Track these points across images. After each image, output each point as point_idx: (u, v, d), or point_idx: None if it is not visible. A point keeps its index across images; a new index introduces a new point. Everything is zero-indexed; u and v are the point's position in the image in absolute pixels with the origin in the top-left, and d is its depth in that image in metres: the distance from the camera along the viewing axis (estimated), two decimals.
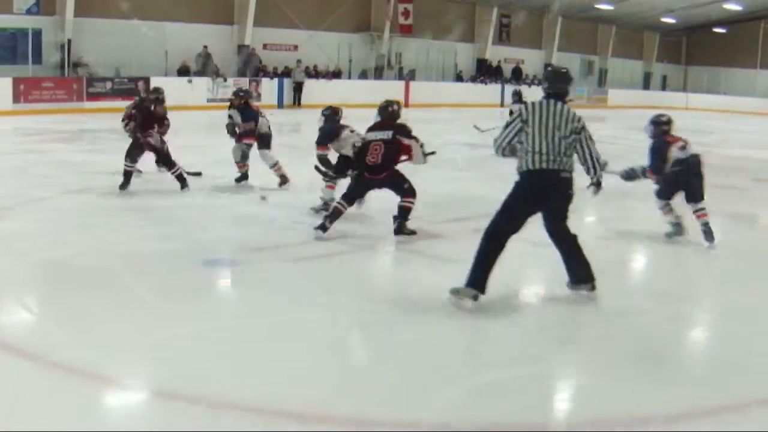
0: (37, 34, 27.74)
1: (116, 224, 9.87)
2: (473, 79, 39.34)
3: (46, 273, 7.71)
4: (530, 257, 8.24)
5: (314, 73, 33.54)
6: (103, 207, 10.87)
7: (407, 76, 37.04)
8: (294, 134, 18.94)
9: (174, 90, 27.25)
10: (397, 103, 9.89)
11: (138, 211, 10.64)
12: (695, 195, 9.57)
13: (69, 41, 28.04)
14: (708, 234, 9.44)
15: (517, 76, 41.59)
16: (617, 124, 29.32)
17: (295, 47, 33.95)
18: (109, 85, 27.12)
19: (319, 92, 30.71)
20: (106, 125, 21.18)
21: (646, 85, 50.95)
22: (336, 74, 34.54)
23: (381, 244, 9.37)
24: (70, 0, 27.71)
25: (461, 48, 40.26)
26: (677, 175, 9.57)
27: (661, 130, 9.92)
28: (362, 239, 9.37)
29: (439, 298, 7.00)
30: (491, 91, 38.51)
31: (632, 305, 7.17)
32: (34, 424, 4.54)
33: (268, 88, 31.43)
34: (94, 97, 26.66)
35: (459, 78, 39.41)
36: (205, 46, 30.47)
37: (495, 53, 41.83)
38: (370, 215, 10.23)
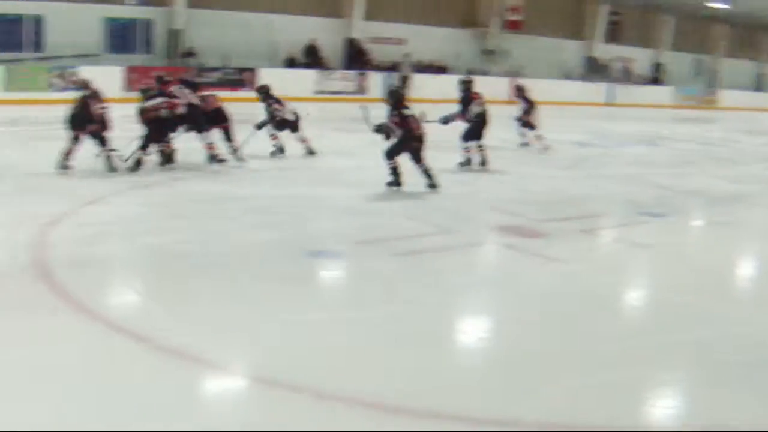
0: (149, 24, 28.24)
1: (219, 212, 9.98)
2: (581, 78, 38.82)
3: (153, 258, 7.86)
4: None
5: (421, 68, 33.47)
6: (207, 194, 11.04)
7: (514, 72, 36.75)
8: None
9: (281, 81, 27.58)
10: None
11: (239, 199, 10.74)
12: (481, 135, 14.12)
13: (180, 31, 28.46)
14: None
15: (626, 75, 40.99)
16: (727, 126, 28.70)
17: (403, 41, 33.92)
18: (217, 75, 27.41)
19: (425, 86, 30.64)
20: None
21: (759, 86, 49.72)
22: (442, 69, 34.40)
23: (485, 241, 9.30)
24: None
25: (570, 45, 39.83)
26: (478, 123, 14.00)
27: (466, 87, 14.42)
28: (466, 236, 9.30)
29: (542, 298, 6.93)
30: (599, 90, 37.99)
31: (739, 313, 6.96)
32: (140, 405, 4.60)
33: (375, 82, 31.47)
34: (203, 87, 26.90)
35: (567, 76, 38.95)
36: (313, 39, 30.68)
37: (604, 51, 41.22)
38: (470, 213, 10.18)
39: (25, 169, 12.20)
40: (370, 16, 32.69)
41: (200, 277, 7.19)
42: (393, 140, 11.63)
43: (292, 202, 10.73)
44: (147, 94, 12.98)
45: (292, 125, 14.87)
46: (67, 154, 12.14)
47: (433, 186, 11.62)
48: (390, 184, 11.65)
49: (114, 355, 5.36)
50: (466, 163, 14.18)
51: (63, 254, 7.74)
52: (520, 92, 17.74)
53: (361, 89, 30.10)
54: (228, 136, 13.78)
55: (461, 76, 15.32)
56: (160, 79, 13.38)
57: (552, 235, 9.30)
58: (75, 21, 26.44)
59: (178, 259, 7.77)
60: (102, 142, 12.29)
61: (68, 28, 26.23)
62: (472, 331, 6.36)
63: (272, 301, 6.62)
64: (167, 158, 13.07)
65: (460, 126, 14.20)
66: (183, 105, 13.02)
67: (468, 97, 14.29)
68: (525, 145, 17.62)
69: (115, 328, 5.80)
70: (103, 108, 12.30)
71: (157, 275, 7.36)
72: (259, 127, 14.77)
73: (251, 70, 27.95)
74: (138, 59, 27.20)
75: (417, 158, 11.65)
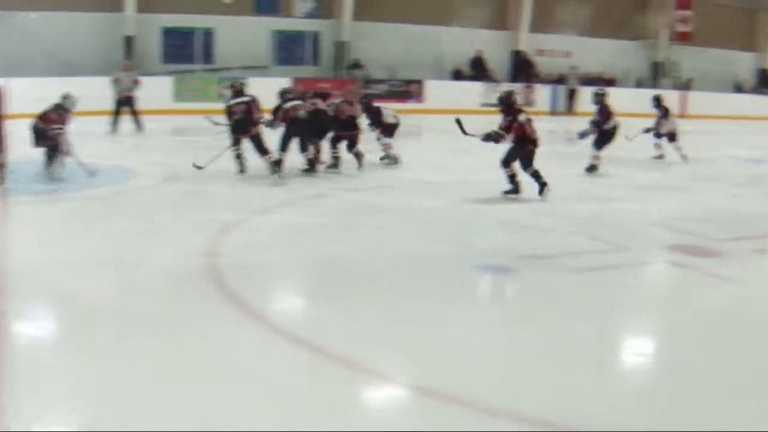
0: (316, 36, 28.77)
1: (386, 223, 10.08)
2: (753, 91, 37.61)
3: (321, 268, 7.98)
4: None
5: (588, 81, 32.98)
6: (373, 206, 11.15)
7: (684, 85, 35.87)
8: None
9: (447, 93, 27.55)
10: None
11: (405, 211, 10.80)
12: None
13: (346, 43, 28.88)
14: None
15: None
16: None
17: (570, 54, 33.54)
18: (384, 87, 27.67)
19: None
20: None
21: None
22: (610, 82, 33.81)
23: (655, 260, 9.08)
24: (349, 4, 28.63)
25: (741, 57, 38.66)
26: (611, 134, 14.48)
27: (601, 99, 14.62)
28: (635, 253, 9.09)
29: (714, 319, 6.77)
30: None
31: None
32: (306, 412, 4.72)
33: (542, 94, 31.16)
34: (331, 96, 27.21)
35: (738, 89, 37.81)
36: (479, 51, 30.63)
37: None
38: (638, 230, 10.02)
39: (196, 176, 12.53)
40: (537, 28, 32.44)
41: (367, 288, 7.30)
42: (507, 147, 11.80)
43: (457, 214, 10.73)
44: (285, 97, 13.74)
45: (393, 129, 14.97)
46: (238, 159, 13.05)
47: (544, 186, 11.75)
48: (508, 192, 11.80)
49: (281, 361, 5.49)
50: (592, 170, 14.59)
51: (235, 261, 7.99)
52: (657, 102, 17.40)
53: (527, 102, 29.85)
54: (352, 143, 14.29)
55: (596, 89, 15.72)
56: (303, 94, 14.40)
57: (726, 255, 9.02)
58: (244, 33, 27.24)
59: (345, 269, 7.88)
60: (260, 148, 12.82)
61: (237, 41, 27.04)
62: (641, 351, 6.24)
63: (438, 314, 6.61)
64: (311, 166, 13.52)
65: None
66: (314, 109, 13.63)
67: (606, 109, 14.60)
68: (659, 157, 17.13)
69: (284, 335, 5.98)
70: (261, 116, 13.04)
71: (325, 285, 7.46)
72: (383, 136, 14.99)
73: (418, 82, 28.12)
74: (305, 71, 27.74)
75: (528, 163, 11.79)
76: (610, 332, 6.47)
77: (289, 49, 28.63)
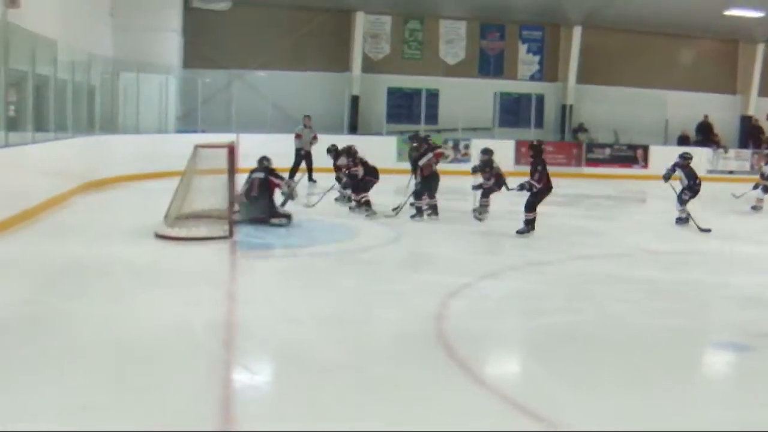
0: (540, 99, 28.75)
1: (619, 294, 9.75)
2: None
3: (556, 337, 7.77)
4: None
5: None
6: (604, 275, 10.86)
7: None
8: None
9: (671, 159, 27.02)
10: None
11: (637, 282, 10.45)
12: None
13: (570, 107, 28.73)
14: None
15: None
16: None
17: None
18: (607, 151, 27.41)
19: None
20: (604, 192, 21.28)
21: None
22: None
23: None
24: (573, 67, 28.59)
25: None
26: (696, 191, 15.19)
27: (686, 162, 15.48)
28: None
29: None
30: None
31: None
32: None
33: None
34: (592, 162, 27.03)
35: None
36: (706, 116, 29.86)
37: None
38: None
39: (419, 238, 12.95)
40: (767, 92, 31.42)
41: (599, 361, 7.05)
42: (533, 193, 13.27)
43: (692, 287, 10.33)
44: (419, 153, 15.44)
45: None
46: (366, 205, 15.07)
47: (532, 230, 13.28)
48: (521, 232, 13.26)
49: None
50: (685, 221, 15.24)
51: (463, 326, 7.95)
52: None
53: (756, 169, 28.85)
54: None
55: (682, 154, 16.16)
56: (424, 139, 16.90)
57: None
58: (468, 95, 27.45)
59: (577, 340, 7.66)
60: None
61: (461, 102, 27.24)
62: None
63: (675, 392, 6.34)
64: (434, 209, 14.97)
65: None
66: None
67: (689, 171, 15.47)
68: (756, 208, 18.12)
69: (515, 407, 5.80)
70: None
71: (557, 356, 7.23)
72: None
73: (643, 147, 27.62)
74: (529, 134, 27.73)
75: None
76: None
77: (512, 111, 28.81)
